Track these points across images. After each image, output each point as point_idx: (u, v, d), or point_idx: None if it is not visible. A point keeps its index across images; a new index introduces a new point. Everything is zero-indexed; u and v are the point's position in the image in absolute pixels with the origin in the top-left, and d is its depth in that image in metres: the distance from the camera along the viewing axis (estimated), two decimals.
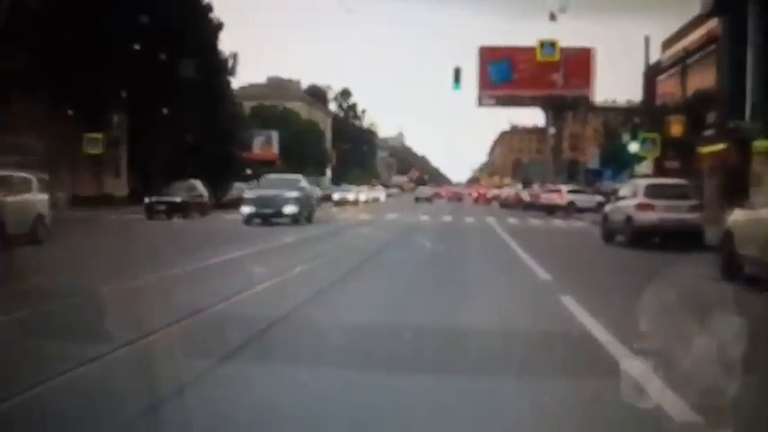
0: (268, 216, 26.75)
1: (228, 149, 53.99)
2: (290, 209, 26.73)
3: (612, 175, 54.71)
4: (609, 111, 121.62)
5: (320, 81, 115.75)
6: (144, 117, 43.24)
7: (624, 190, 21.79)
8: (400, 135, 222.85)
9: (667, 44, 42.47)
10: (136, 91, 41.91)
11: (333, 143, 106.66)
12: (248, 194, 28.19)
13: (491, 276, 13.35)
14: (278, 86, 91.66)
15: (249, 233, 22.94)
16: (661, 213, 19.36)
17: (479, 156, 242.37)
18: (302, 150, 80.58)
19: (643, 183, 20.95)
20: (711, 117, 32.89)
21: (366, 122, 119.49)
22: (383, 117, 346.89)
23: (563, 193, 44.24)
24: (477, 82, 71.01)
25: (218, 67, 50.82)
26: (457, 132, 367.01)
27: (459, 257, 16.69)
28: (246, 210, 26.96)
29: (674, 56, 41.39)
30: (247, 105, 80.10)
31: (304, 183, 29.56)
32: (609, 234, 21.49)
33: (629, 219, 19.89)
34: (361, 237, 23.18)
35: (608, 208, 22.40)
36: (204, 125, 47.27)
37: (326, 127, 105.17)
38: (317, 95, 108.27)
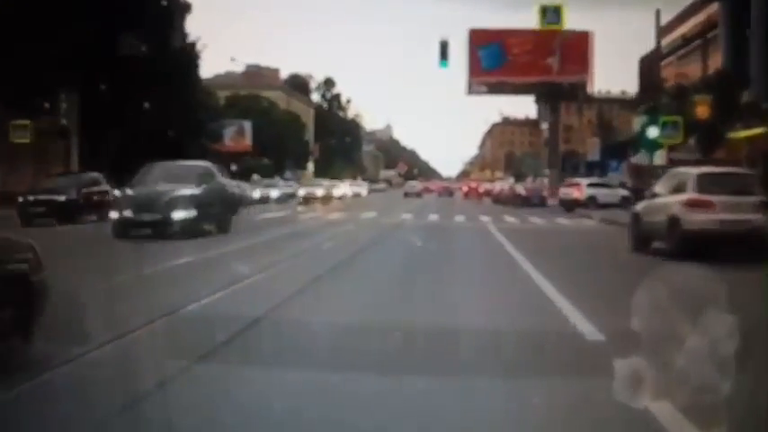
0: (147, 225, 18.30)
1: (194, 140, 48.90)
2: (181, 213, 18.25)
3: (617, 167, 50.41)
4: (603, 102, 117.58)
5: (305, 73, 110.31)
6: (94, 103, 37.91)
7: (664, 183, 16.62)
8: (388, 128, 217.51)
9: (666, 30, 38.27)
10: (87, 73, 36.60)
11: (316, 136, 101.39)
12: (122, 193, 19.94)
13: (501, 348, 7.14)
14: (255, 75, 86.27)
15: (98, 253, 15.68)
16: (721, 213, 14.27)
17: (470, 149, 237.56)
18: (282, 143, 75.27)
19: (693, 172, 15.72)
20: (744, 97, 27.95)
21: (351, 113, 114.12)
22: (370, 110, 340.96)
23: (582, 188, 39.22)
24: (466, 68, 65.90)
25: (183, 51, 45.75)
26: (447, 126, 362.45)
27: (444, 290, 10.57)
28: (116, 215, 18.59)
29: (674, 42, 37.83)
30: (223, 95, 75.02)
31: (213, 172, 20.85)
32: (642, 240, 16.38)
33: (674, 221, 14.78)
34: (297, 257, 15.23)
35: (640, 206, 17.25)
36: (165, 113, 42.11)
37: (308, 119, 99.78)
38: (298, 85, 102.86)
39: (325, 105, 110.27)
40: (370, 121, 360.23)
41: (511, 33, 65.74)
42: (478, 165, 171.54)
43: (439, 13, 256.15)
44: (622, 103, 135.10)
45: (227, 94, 76.20)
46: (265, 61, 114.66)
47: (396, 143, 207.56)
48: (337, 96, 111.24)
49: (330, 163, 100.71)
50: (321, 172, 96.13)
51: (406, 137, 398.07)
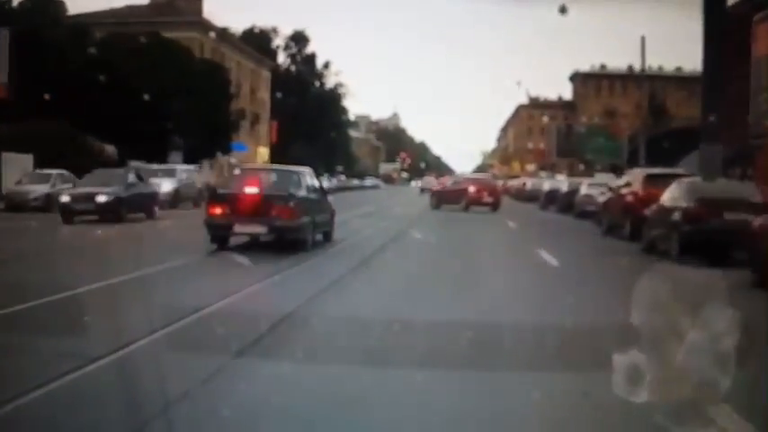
0: None
1: None
2: None
3: None
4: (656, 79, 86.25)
5: (269, 27, 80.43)
6: None
7: None
8: (395, 116, 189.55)
9: None
10: None
11: (274, 109, 71.96)
12: None
13: None
14: (166, 8, 56.95)
15: None
16: None
17: (488, 143, 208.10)
18: (200, 110, 45.88)
19: None
20: None
21: (332, 82, 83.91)
22: (377, 97, 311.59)
23: None
24: None
25: None
26: (463, 121, 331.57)
27: None
28: None
29: None
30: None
31: None
32: None
33: None
34: None
35: None
36: None
37: (261, 84, 70.17)
38: (254, 42, 72.95)
39: (293, 69, 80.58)
40: (377, 110, 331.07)
41: None
42: (498, 156, 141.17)
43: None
44: (678, 81, 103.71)
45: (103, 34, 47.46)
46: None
47: (402, 132, 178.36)
48: (311, 58, 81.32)
49: (298, 149, 71.13)
50: (279, 160, 66.79)
51: (417, 130, 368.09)
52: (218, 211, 13.09)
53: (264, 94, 71.31)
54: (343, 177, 69.93)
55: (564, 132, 78.43)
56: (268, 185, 13.74)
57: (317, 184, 15.33)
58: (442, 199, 32.01)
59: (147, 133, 40.67)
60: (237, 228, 13.07)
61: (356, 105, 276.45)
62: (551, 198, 32.32)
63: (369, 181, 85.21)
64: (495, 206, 30.46)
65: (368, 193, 62.54)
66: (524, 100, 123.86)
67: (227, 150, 52.18)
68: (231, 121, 51.97)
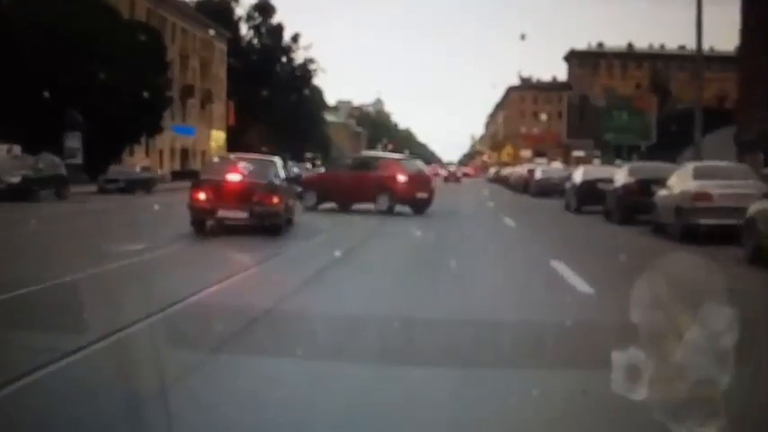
0: None
1: None
2: None
3: None
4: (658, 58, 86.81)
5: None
6: None
7: None
8: (378, 102, 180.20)
9: None
10: None
11: (235, 87, 62.56)
12: None
13: None
14: None
15: None
16: None
17: (477, 131, 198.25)
18: (118, 82, 36.47)
19: None
20: None
21: (301, 58, 74.11)
22: (361, 84, 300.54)
23: None
24: None
25: None
26: (450, 108, 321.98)
27: None
28: None
29: None
30: None
31: None
32: None
33: None
34: None
35: None
36: None
37: (215, 58, 60.70)
38: (214, 12, 63.41)
39: (256, 43, 70.95)
40: (360, 95, 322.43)
41: None
42: (488, 143, 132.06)
43: None
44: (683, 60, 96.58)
45: None
46: None
47: (385, 118, 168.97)
48: (277, 30, 71.61)
49: (261, 133, 61.77)
50: (237, 146, 58.26)
51: (402, 117, 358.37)
52: (201, 196, 13.75)
53: (220, 70, 61.79)
54: (310, 165, 60.47)
55: (577, 107, 65.28)
56: (249, 173, 14.36)
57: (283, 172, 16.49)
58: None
59: (34, 108, 31.28)
60: (221, 213, 13.76)
61: (338, 92, 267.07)
62: (591, 195, 22.14)
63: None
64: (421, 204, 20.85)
65: None
66: (516, 82, 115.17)
67: (152, 133, 42.48)
68: (165, 98, 42.30)
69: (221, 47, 62.11)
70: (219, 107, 61.24)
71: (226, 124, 61.72)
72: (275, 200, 13.83)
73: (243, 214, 13.65)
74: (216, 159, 16.19)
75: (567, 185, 24.44)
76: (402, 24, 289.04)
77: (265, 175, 14.37)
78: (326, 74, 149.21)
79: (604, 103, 56.91)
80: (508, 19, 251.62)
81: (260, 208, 13.56)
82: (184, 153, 53.23)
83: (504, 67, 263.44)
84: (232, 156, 18.73)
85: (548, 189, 31.36)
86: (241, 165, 14.79)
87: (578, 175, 23.35)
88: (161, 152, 49.67)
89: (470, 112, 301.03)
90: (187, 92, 53.03)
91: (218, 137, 60.89)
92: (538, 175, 35.83)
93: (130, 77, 37.61)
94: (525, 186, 37.56)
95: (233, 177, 14.01)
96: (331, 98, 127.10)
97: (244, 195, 13.64)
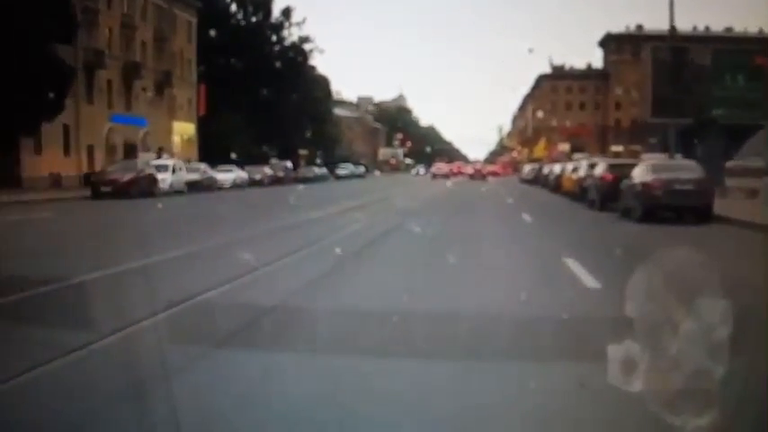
0: None
1: None
2: None
3: None
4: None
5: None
6: None
7: None
8: (400, 98, 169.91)
9: None
10: None
11: (208, 69, 51.92)
12: None
13: None
14: None
15: None
16: None
17: (505, 127, 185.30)
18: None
19: None
20: None
21: (295, 36, 62.77)
22: (384, 79, 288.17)
23: None
24: None
25: None
26: (476, 104, 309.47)
27: None
28: None
29: None
30: None
31: None
32: None
33: None
34: None
35: None
36: None
37: (178, 31, 49.97)
38: None
39: (240, 18, 59.96)
40: (381, 91, 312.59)
41: None
42: (516, 137, 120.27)
43: None
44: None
45: None
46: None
47: (406, 113, 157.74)
48: (265, 5, 60.53)
49: (238, 125, 51.01)
50: (212, 142, 48.84)
51: (427, 115, 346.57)
52: None
53: (186, 47, 50.97)
54: (288, 164, 49.49)
55: (670, 66, 41.43)
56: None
57: None
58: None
59: None
60: None
61: (360, 88, 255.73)
62: None
63: (343, 170, 63.95)
64: None
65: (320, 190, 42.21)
66: (546, 70, 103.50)
67: (34, 128, 31.04)
68: (67, 70, 31.22)
69: (187, 18, 51.11)
70: (184, 93, 50.37)
71: (196, 115, 50.94)
72: None
73: None
74: None
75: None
76: (427, 22, 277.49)
77: None
78: (323, 54, 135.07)
79: (709, 60, 41.57)
80: (537, 6, 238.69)
81: None
82: (130, 149, 42.00)
83: (532, 59, 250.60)
84: None
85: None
86: None
87: None
88: (90, 148, 38.98)
89: (498, 108, 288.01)
90: (131, 71, 42.18)
91: (183, 129, 50.06)
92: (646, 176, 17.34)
93: (14, 41, 26.97)
94: (578, 191, 25.54)
95: None
96: (352, 94, 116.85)
97: None
